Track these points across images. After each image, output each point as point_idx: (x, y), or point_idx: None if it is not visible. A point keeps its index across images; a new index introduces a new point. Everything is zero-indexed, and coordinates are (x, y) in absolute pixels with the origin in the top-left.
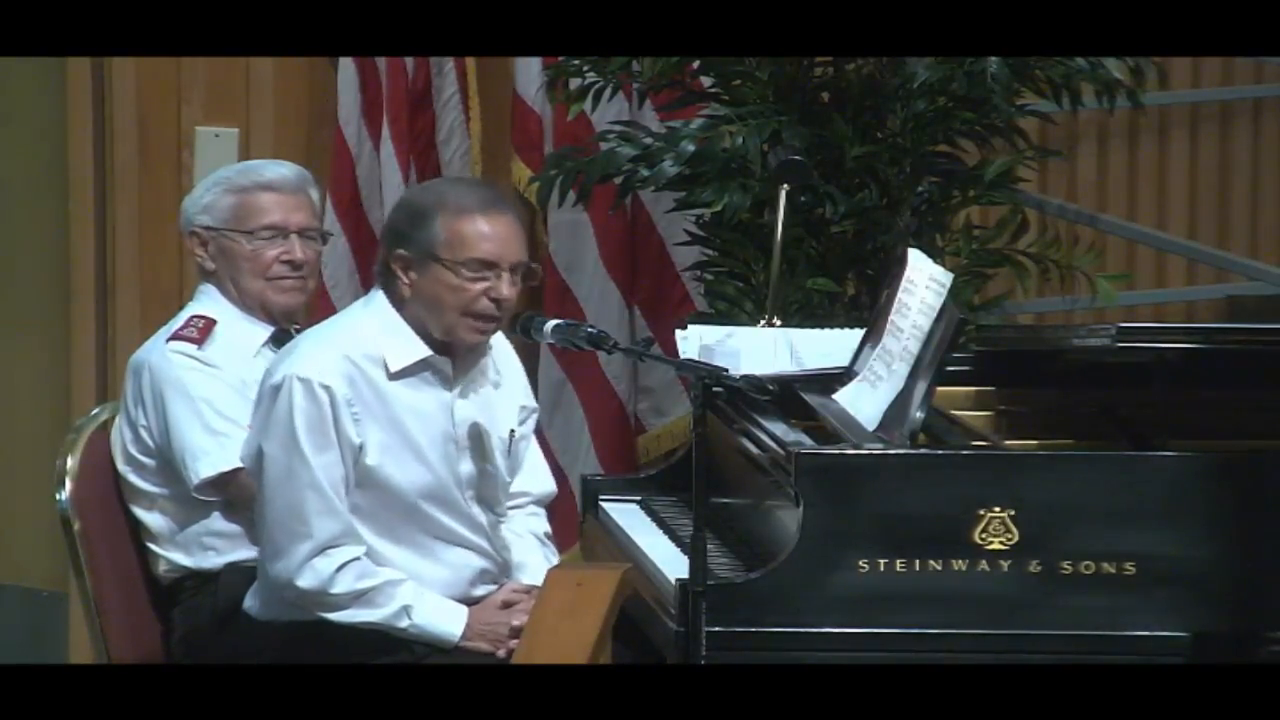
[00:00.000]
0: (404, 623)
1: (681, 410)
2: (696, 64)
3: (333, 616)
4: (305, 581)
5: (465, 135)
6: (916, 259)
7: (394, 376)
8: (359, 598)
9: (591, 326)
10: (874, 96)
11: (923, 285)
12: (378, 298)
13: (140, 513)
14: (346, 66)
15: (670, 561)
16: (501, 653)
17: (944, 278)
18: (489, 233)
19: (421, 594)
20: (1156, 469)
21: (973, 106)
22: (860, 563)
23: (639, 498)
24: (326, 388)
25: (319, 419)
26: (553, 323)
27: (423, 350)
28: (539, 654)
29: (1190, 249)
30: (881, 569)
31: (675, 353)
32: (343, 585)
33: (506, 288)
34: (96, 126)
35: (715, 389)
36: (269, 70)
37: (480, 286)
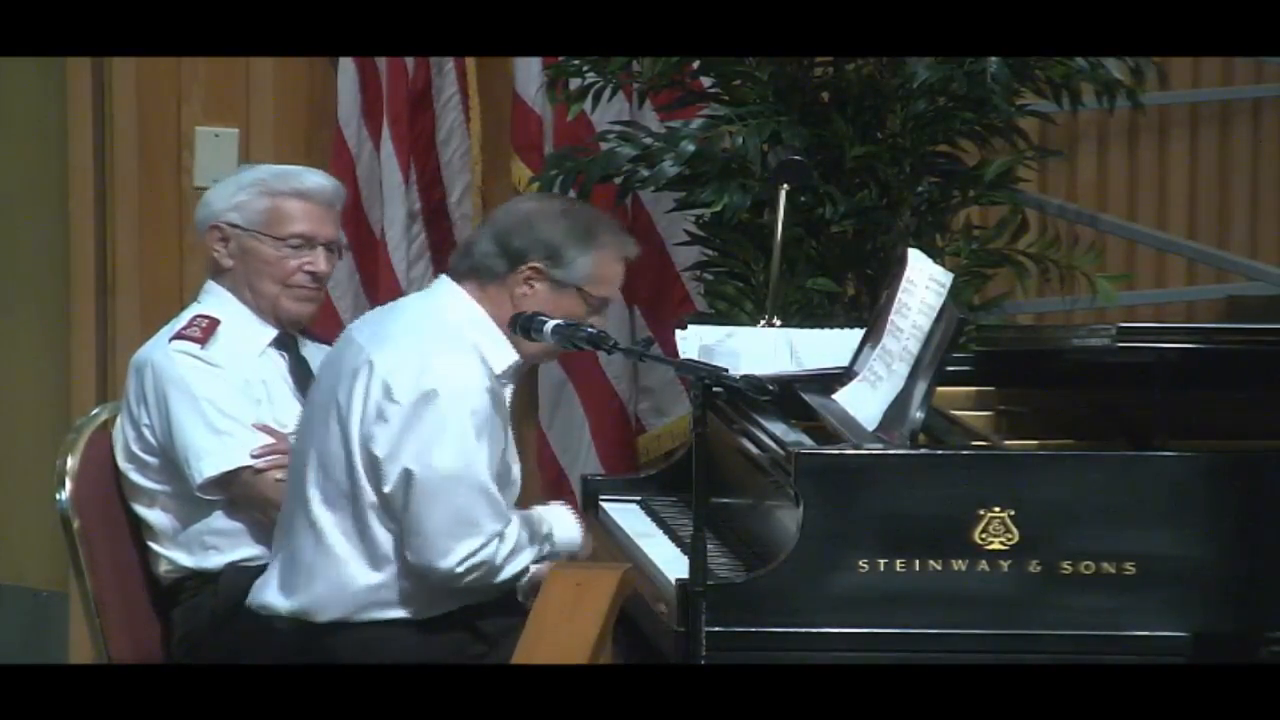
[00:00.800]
0: (547, 548)
1: (681, 410)
2: (696, 64)
3: (502, 578)
4: (468, 565)
5: (465, 135)
6: (916, 259)
7: (498, 378)
8: (512, 553)
9: (591, 326)
10: (874, 96)
11: (923, 285)
12: (459, 295)
13: (142, 511)
14: (346, 66)
15: (670, 561)
16: None
17: (944, 278)
18: (620, 276)
19: (541, 518)
20: (1156, 469)
21: (973, 106)
22: (860, 563)
23: (639, 498)
24: (490, 390)
25: (486, 418)
26: (553, 323)
27: (513, 355)
28: (539, 654)
29: (1190, 249)
30: (881, 569)
31: (675, 353)
32: (501, 554)
33: (601, 323)
34: (96, 126)
35: (715, 389)
36: (269, 70)
37: (587, 320)
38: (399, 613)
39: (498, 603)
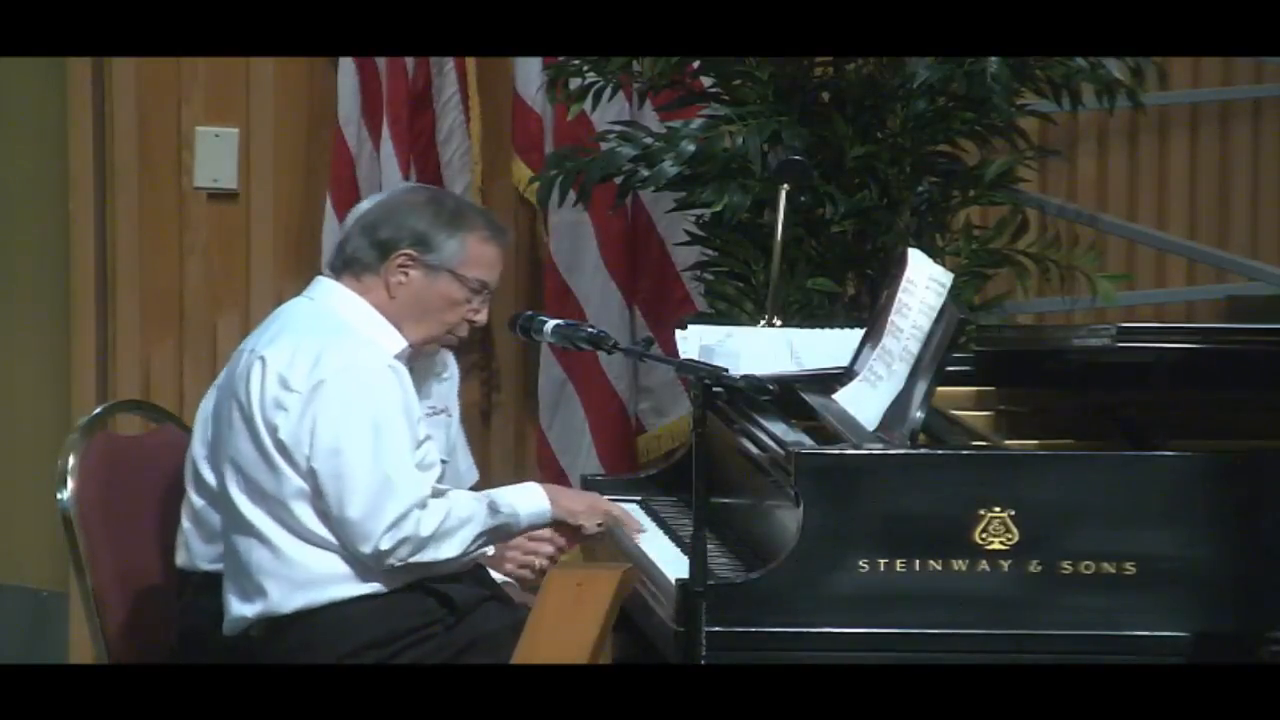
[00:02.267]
0: (499, 520)
1: (681, 410)
2: (696, 64)
3: (443, 555)
4: (392, 542)
5: (465, 135)
6: (916, 259)
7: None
8: (445, 530)
9: (591, 326)
10: (874, 96)
11: (923, 285)
12: (341, 291)
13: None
14: (346, 66)
15: (670, 561)
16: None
17: (944, 278)
18: (495, 259)
19: (495, 498)
20: (1156, 469)
21: (973, 106)
22: (860, 563)
23: (639, 498)
24: (391, 368)
25: (391, 396)
26: (553, 323)
27: (402, 341)
28: (539, 654)
29: (1190, 249)
30: (881, 569)
31: (675, 353)
32: (426, 528)
33: (484, 314)
34: (96, 126)
35: (715, 389)
36: (269, 70)
37: (470, 306)
38: (360, 589)
39: (466, 572)
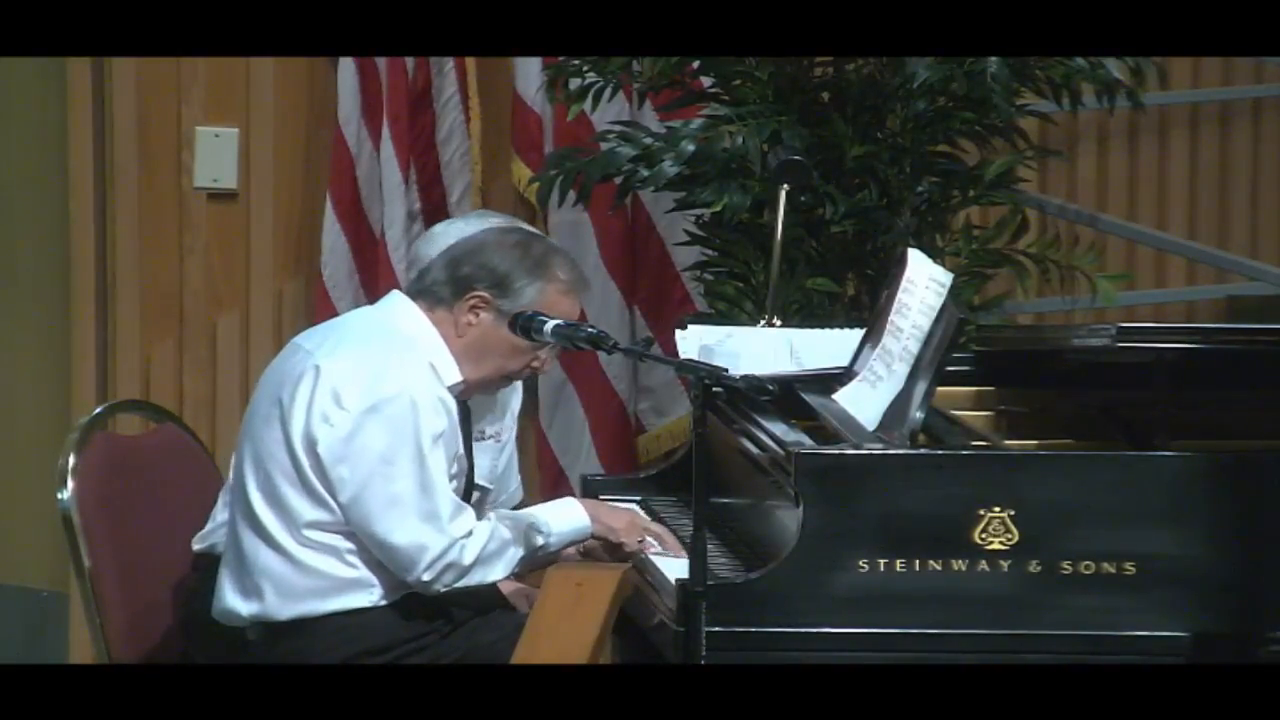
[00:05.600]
0: (540, 540)
1: (681, 410)
2: (696, 64)
3: (489, 578)
4: (435, 572)
5: (465, 135)
6: (916, 259)
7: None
8: (487, 555)
9: (591, 326)
10: (874, 96)
11: (923, 285)
12: (412, 310)
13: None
14: (346, 66)
15: (670, 562)
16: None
17: (944, 278)
18: (570, 312)
19: (533, 518)
20: (1156, 469)
21: (973, 106)
22: (860, 563)
23: (639, 498)
24: (441, 399)
25: (439, 427)
26: (553, 323)
27: (458, 376)
28: (539, 654)
29: (1190, 249)
30: (881, 569)
31: (675, 353)
32: (468, 556)
33: (549, 362)
34: (96, 126)
35: (715, 389)
36: (269, 70)
37: (535, 356)
38: (359, 600)
39: (465, 589)
